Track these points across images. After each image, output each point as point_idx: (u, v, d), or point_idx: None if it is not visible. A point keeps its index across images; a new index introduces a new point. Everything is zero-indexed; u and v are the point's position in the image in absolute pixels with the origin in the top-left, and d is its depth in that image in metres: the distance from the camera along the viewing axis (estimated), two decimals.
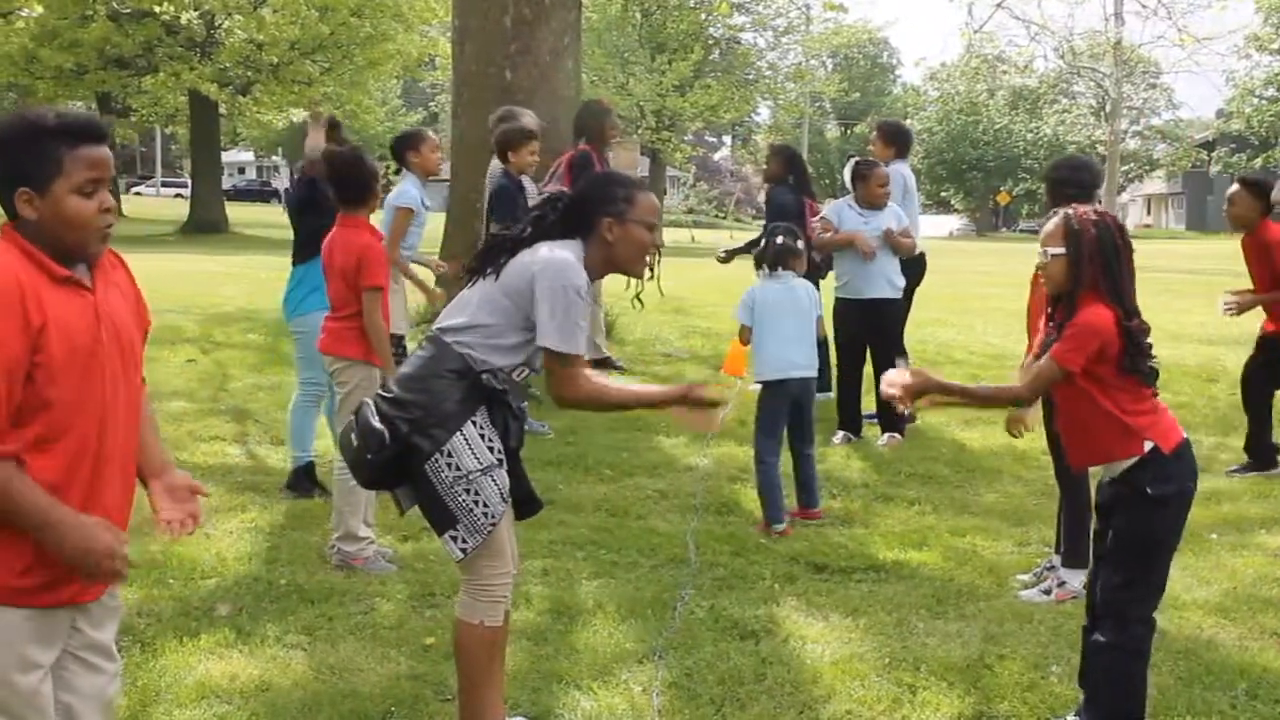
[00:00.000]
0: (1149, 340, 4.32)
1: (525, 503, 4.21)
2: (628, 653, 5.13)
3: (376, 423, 3.91)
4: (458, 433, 3.90)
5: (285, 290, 7.49)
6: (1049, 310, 4.50)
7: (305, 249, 7.18)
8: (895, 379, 4.41)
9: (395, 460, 3.92)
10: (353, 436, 4.00)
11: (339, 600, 5.67)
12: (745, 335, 7.10)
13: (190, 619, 5.39)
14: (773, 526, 6.91)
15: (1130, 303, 4.30)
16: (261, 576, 5.99)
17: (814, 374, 7.32)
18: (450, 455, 3.89)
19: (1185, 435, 4.36)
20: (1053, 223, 4.39)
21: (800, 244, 7.25)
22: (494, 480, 3.96)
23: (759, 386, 10.42)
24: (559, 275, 3.91)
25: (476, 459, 3.92)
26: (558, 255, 3.96)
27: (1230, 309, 8.30)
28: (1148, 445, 4.23)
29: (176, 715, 4.44)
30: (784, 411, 7.17)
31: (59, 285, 2.84)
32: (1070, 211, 4.37)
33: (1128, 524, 4.31)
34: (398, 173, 7.78)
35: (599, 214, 4.04)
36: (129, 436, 3.05)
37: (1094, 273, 4.27)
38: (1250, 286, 8.29)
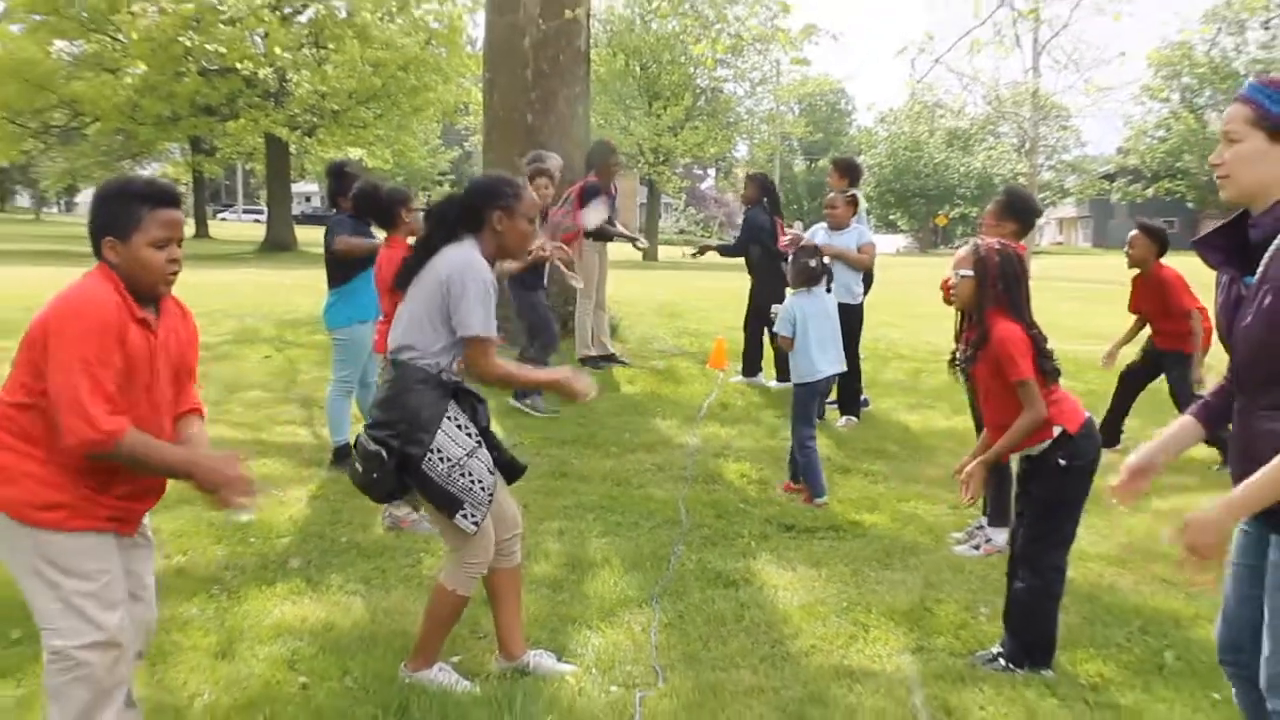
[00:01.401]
0: (1049, 345, 4.41)
1: (508, 469, 4.18)
2: (630, 599, 5.15)
3: (372, 446, 3.87)
4: (439, 431, 3.85)
5: (324, 306, 7.44)
6: (958, 329, 4.55)
7: (335, 276, 7.23)
8: (971, 475, 4.43)
9: (398, 470, 3.86)
10: (357, 465, 3.96)
11: (390, 555, 5.69)
12: (787, 344, 6.88)
13: (268, 571, 5.42)
14: (815, 500, 6.82)
15: (1028, 317, 4.40)
16: (326, 535, 6.01)
17: (842, 368, 7.22)
18: (439, 450, 3.85)
19: (1088, 415, 4.42)
20: (964, 250, 4.47)
21: (824, 261, 7.06)
22: (479, 459, 3.94)
23: (741, 379, 10.45)
24: (465, 272, 3.84)
25: (460, 446, 3.89)
26: (459, 257, 3.90)
27: (1108, 363, 8.60)
28: (1056, 430, 4.29)
29: (258, 650, 4.46)
30: (816, 402, 7.06)
31: (136, 322, 3.05)
32: (979, 242, 4.46)
33: (1042, 489, 4.38)
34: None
35: (490, 208, 3.98)
36: (171, 437, 3.24)
37: (996, 293, 4.34)
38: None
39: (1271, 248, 2.70)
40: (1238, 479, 2.89)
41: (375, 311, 6.76)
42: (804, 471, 6.94)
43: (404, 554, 5.72)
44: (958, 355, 4.59)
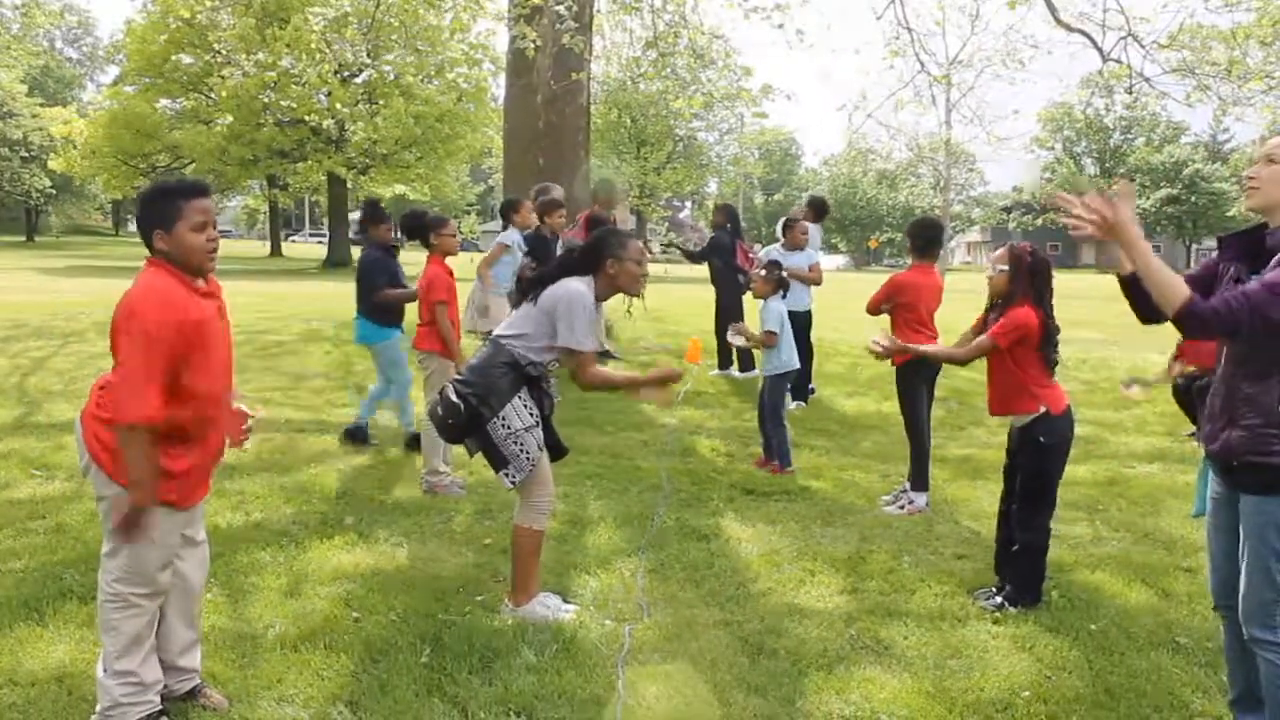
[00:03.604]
0: (1058, 338, 4.38)
1: (555, 449, 4.22)
2: (620, 550, 5.11)
3: (454, 398, 3.97)
4: (508, 404, 3.94)
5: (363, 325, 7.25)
6: (988, 307, 4.51)
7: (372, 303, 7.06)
8: (880, 339, 4.64)
9: (468, 422, 3.95)
10: (439, 409, 4.04)
11: (427, 514, 5.65)
12: (773, 340, 6.72)
13: (328, 526, 5.37)
14: (785, 469, 6.76)
15: (1049, 308, 4.37)
16: (375, 497, 5.97)
17: None
18: (504, 419, 3.93)
19: (1069, 403, 4.43)
20: (1001, 250, 4.52)
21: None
22: (533, 435, 4.00)
23: (717, 373, 10.42)
24: (574, 299, 3.93)
25: (521, 421, 3.96)
26: (574, 286, 3.97)
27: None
28: (1042, 408, 4.30)
29: (320, 590, 4.42)
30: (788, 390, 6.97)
31: (202, 296, 3.02)
32: (1014, 244, 4.48)
33: (1028, 463, 4.40)
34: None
35: (604, 256, 4.05)
36: (230, 391, 3.23)
37: (1025, 285, 4.33)
38: None
39: None
40: (1211, 438, 2.89)
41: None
42: (779, 445, 6.82)
43: (438, 513, 5.68)
44: (978, 325, 4.56)
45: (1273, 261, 2.72)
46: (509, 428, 3.94)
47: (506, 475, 4.00)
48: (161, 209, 2.99)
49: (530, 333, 3.98)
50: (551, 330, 3.95)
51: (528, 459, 3.98)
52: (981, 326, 4.53)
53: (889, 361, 6.14)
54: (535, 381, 4.04)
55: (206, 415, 3.06)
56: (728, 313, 10.26)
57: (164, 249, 2.99)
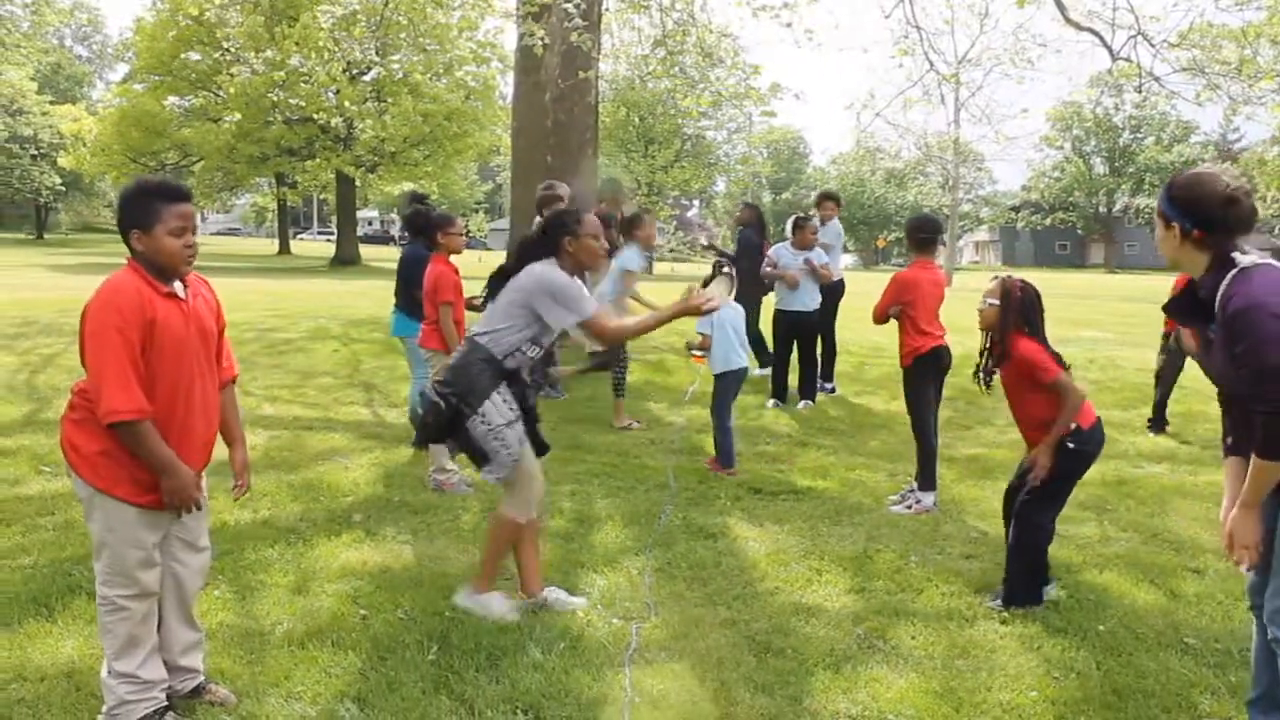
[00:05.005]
0: (1063, 361, 4.37)
1: (538, 445, 4.20)
2: (627, 548, 5.11)
3: (434, 398, 3.97)
4: (487, 400, 3.93)
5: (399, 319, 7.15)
6: (984, 347, 4.51)
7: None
8: (1040, 463, 4.30)
9: (449, 421, 3.96)
10: (418, 409, 4.08)
11: (434, 512, 5.65)
12: (706, 342, 6.70)
13: (335, 524, 5.38)
14: (727, 469, 6.67)
15: (1044, 337, 4.38)
16: (382, 495, 5.97)
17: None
18: (483, 415, 3.93)
19: (1098, 416, 4.42)
20: (992, 284, 4.48)
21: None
22: (513, 431, 3.99)
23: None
24: (544, 280, 3.94)
25: (501, 417, 3.95)
26: (537, 270, 3.98)
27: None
28: (1073, 425, 4.28)
29: (327, 588, 4.43)
30: (735, 390, 6.95)
31: (163, 297, 3.00)
32: (1005, 277, 4.46)
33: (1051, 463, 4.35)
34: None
35: (561, 236, 4.06)
36: (209, 395, 3.20)
37: (1018, 319, 4.32)
38: None
39: (1218, 302, 2.80)
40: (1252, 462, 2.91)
41: None
42: (722, 443, 6.75)
43: (445, 511, 5.68)
44: (980, 367, 4.52)
45: (1217, 311, 2.80)
46: (489, 424, 3.92)
47: (489, 472, 4.00)
48: (141, 209, 2.99)
49: (503, 325, 3.97)
50: (523, 317, 3.95)
51: (509, 454, 3.97)
52: (990, 369, 4.48)
53: (897, 361, 6.14)
54: (515, 375, 4.03)
55: (174, 417, 3.02)
56: (746, 313, 10.27)
57: (140, 249, 2.99)
